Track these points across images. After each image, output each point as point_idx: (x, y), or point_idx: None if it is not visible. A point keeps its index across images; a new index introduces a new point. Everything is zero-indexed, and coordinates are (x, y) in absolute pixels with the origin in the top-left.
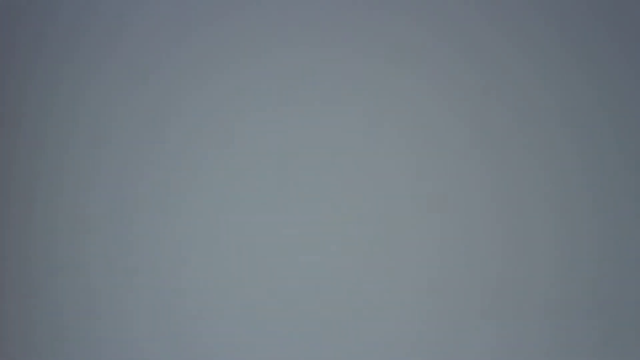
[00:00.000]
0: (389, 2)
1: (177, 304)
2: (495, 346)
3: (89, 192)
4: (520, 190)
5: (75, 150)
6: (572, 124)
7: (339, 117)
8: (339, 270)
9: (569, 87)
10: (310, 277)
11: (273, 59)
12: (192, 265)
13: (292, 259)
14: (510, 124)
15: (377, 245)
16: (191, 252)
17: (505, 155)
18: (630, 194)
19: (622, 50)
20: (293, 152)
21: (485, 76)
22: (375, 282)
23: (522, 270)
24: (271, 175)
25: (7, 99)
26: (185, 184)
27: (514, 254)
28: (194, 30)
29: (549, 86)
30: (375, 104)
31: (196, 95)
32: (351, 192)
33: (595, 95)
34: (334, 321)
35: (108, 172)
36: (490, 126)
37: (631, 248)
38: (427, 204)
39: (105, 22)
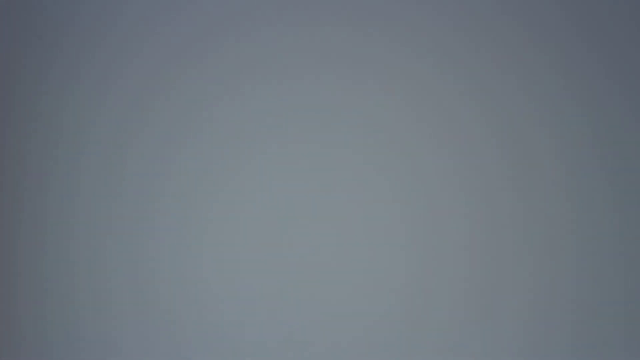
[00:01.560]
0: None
1: (162, 302)
2: (493, 346)
3: (75, 190)
4: (533, 188)
5: (63, 148)
6: (591, 119)
7: (339, 119)
8: (339, 271)
9: (589, 85)
10: (310, 277)
11: (273, 60)
12: (180, 263)
13: (292, 257)
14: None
15: (377, 246)
16: (179, 249)
17: (515, 151)
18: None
19: (628, 48)
20: (293, 150)
21: (502, 72)
22: (375, 283)
23: (521, 270)
24: (267, 173)
25: (13, 101)
26: (173, 179)
27: (512, 254)
28: (183, 27)
29: (565, 77)
30: (371, 111)
31: (186, 87)
32: (351, 192)
33: (617, 91)
34: (334, 319)
35: (95, 171)
36: (489, 127)
37: (631, 246)
38: (426, 204)
39: (92, 21)
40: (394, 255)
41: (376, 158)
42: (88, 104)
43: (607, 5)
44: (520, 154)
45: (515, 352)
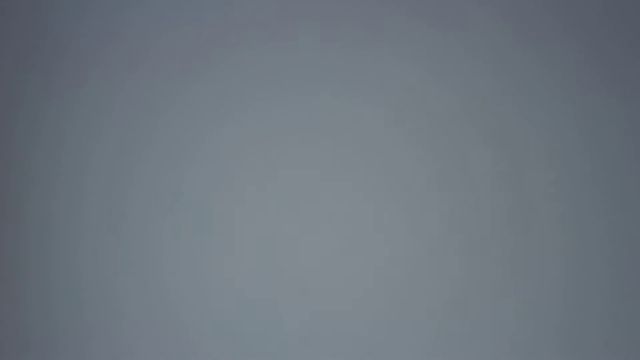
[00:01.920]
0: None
1: (169, 302)
2: (493, 346)
3: (82, 191)
4: (523, 191)
5: (68, 150)
6: (582, 124)
7: (339, 120)
8: (338, 271)
9: (578, 79)
10: (310, 277)
11: (270, 57)
12: (186, 264)
13: (290, 258)
14: (517, 125)
15: (377, 247)
16: (184, 250)
17: (506, 154)
18: (635, 195)
19: (631, 48)
20: (292, 151)
21: (494, 77)
22: (375, 284)
23: (522, 271)
24: (268, 174)
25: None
26: (179, 182)
27: (511, 254)
28: (189, 29)
29: (557, 79)
30: (377, 104)
31: (191, 92)
32: (350, 193)
33: (607, 94)
34: (332, 320)
35: (101, 171)
36: (495, 126)
37: (635, 247)
38: (426, 205)
39: (99, 21)
40: (391, 255)
41: (373, 161)
42: (94, 108)
43: (597, 11)
44: (511, 157)
45: (511, 353)
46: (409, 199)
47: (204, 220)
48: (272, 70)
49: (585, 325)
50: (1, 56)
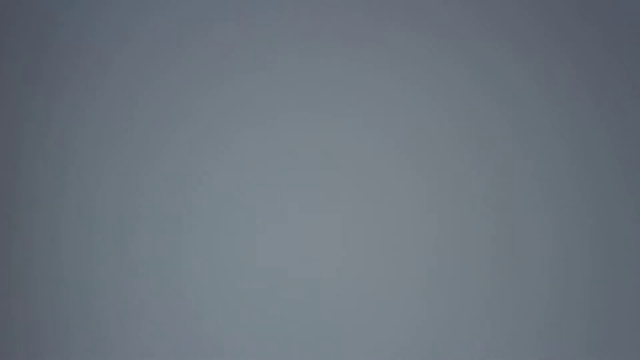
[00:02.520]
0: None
1: (179, 304)
2: (493, 347)
3: (93, 192)
4: (516, 192)
5: (79, 150)
6: (567, 129)
7: (338, 121)
8: (338, 271)
9: (565, 91)
10: (310, 279)
11: (276, 67)
12: (196, 266)
13: (293, 262)
14: (505, 128)
15: (377, 248)
16: (194, 253)
17: (502, 156)
18: (625, 197)
19: (619, 54)
20: (294, 155)
21: (480, 80)
22: (376, 285)
23: (519, 271)
24: (273, 177)
25: (10, 99)
26: (189, 185)
27: (511, 254)
28: (201, 34)
29: (545, 90)
30: (372, 108)
31: (202, 98)
32: (349, 193)
33: (591, 99)
34: (334, 321)
35: (112, 173)
36: (486, 129)
37: (628, 249)
38: (425, 205)
39: (111, 25)
40: (393, 255)
41: (385, 156)
42: (76, 103)
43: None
44: (539, 156)
45: (530, 353)
46: (426, 197)
47: (218, 222)
48: (271, 90)
49: (576, 327)
50: (10, 56)
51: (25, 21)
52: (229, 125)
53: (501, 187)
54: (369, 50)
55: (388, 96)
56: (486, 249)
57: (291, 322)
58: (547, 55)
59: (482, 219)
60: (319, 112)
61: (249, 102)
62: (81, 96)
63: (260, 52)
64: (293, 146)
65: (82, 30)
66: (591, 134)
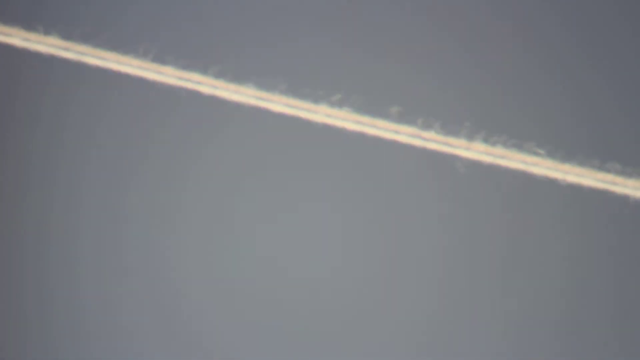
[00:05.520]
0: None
1: (170, 304)
2: (497, 348)
3: (81, 192)
4: (522, 192)
5: (66, 149)
6: (584, 122)
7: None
8: (338, 270)
9: (582, 85)
10: (310, 278)
11: (273, 57)
12: (186, 267)
13: (291, 262)
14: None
15: (376, 248)
16: (185, 253)
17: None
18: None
19: (629, 50)
20: (290, 154)
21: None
22: (376, 285)
23: (526, 272)
24: (268, 175)
25: None
26: (180, 184)
27: (517, 255)
28: (192, 31)
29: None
30: (373, 101)
31: (192, 96)
32: (349, 192)
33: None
34: (335, 320)
35: (100, 172)
36: (496, 123)
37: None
38: (425, 205)
39: (97, 20)
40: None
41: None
42: (62, 103)
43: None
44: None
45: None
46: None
47: (210, 222)
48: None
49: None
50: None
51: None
52: (223, 119)
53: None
54: (373, 37)
55: (394, 88)
56: (491, 248)
57: (292, 321)
58: (560, 49)
59: (487, 219)
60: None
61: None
62: (67, 91)
63: (256, 37)
64: (291, 142)
65: (68, 22)
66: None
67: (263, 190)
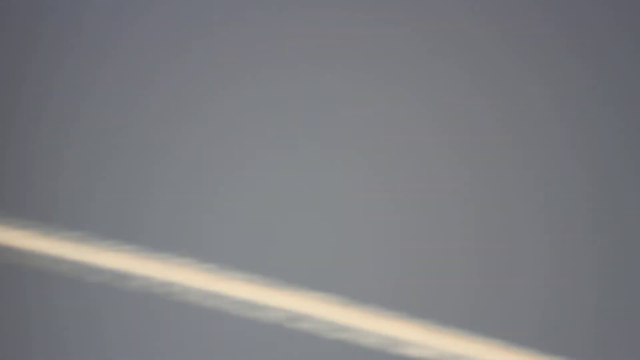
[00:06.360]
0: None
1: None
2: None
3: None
4: (513, 193)
5: (72, 148)
6: (574, 130)
7: (338, 119)
8: (338, 267)
9: (573, 93)
10: (310, 277)
11: (274, 60)
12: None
13: (291, 261)
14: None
15: (377, 248)
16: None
17: (501, 155)
18: (630, 200)
19: (622, 52)
20: (291, 149)
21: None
22: (377, 284)
23: (517, 272)
24: (270, 168)
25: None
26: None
27: (509, 254)
28: (199, 33)
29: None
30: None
31: (204, 101)
32: (349, 191)
33: (598, 97)
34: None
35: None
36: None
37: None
38: (424, 204)
39: (105, 22)
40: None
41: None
42: (69, 103)
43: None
44: (538, 158)
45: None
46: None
47: (212, 220)
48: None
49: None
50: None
51: (13, 12)
52: (221, 119)
53: (496, 186)
54: (369, 49)
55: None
56: (481, 246)
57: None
58: (552, 55)
59: (476, 218)
60: (318, 104)
61: (248, 94)
62: (74, 91)
63: (257, 51)
64: (291, 139)
65: (73, 24)
66: (598, 132)
67: (264, 184)
